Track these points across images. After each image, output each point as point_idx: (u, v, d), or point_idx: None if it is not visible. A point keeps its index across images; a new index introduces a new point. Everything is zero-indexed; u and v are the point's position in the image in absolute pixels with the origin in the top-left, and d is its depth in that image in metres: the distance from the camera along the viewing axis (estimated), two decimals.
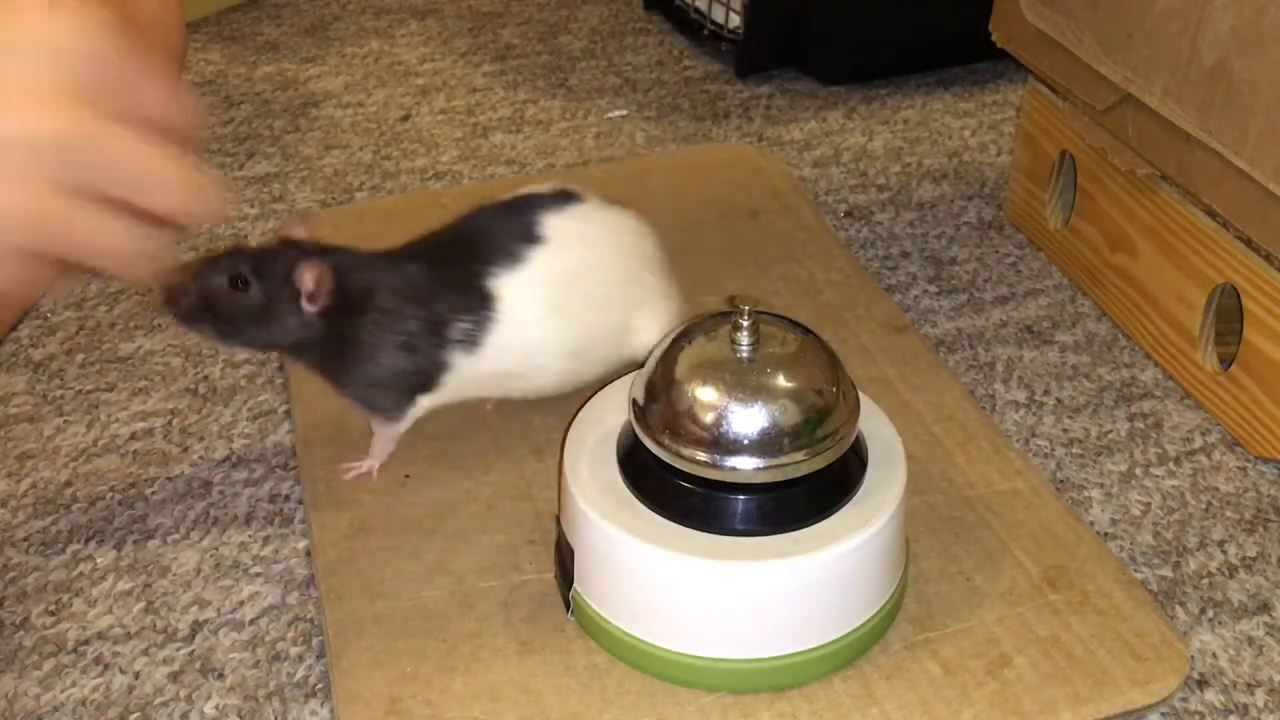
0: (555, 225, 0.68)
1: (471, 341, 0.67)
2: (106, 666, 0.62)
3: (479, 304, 0.67)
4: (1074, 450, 0.74)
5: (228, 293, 0.63)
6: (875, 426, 0.62)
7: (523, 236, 0.68)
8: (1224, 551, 0.67)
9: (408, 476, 0.70)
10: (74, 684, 0.61)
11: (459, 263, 0.68)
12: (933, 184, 1.00)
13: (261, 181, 1.02)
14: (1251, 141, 0.66)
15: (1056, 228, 0.89)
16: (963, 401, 0.75)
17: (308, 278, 0.63)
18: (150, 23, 0.93)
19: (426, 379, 0.68)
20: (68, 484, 0.73)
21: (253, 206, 0.98)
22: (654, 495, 0.59)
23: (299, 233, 0.67)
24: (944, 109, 1.10)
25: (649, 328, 0.70)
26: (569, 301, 0.68)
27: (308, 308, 0.64)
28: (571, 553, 0.61)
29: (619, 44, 1.24)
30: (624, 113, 1.12)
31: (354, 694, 0.58)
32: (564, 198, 0.69)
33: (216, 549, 0.68)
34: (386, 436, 0.70)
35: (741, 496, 0.57)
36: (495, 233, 0.68)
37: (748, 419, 0.56)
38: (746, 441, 0.56)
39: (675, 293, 0.72)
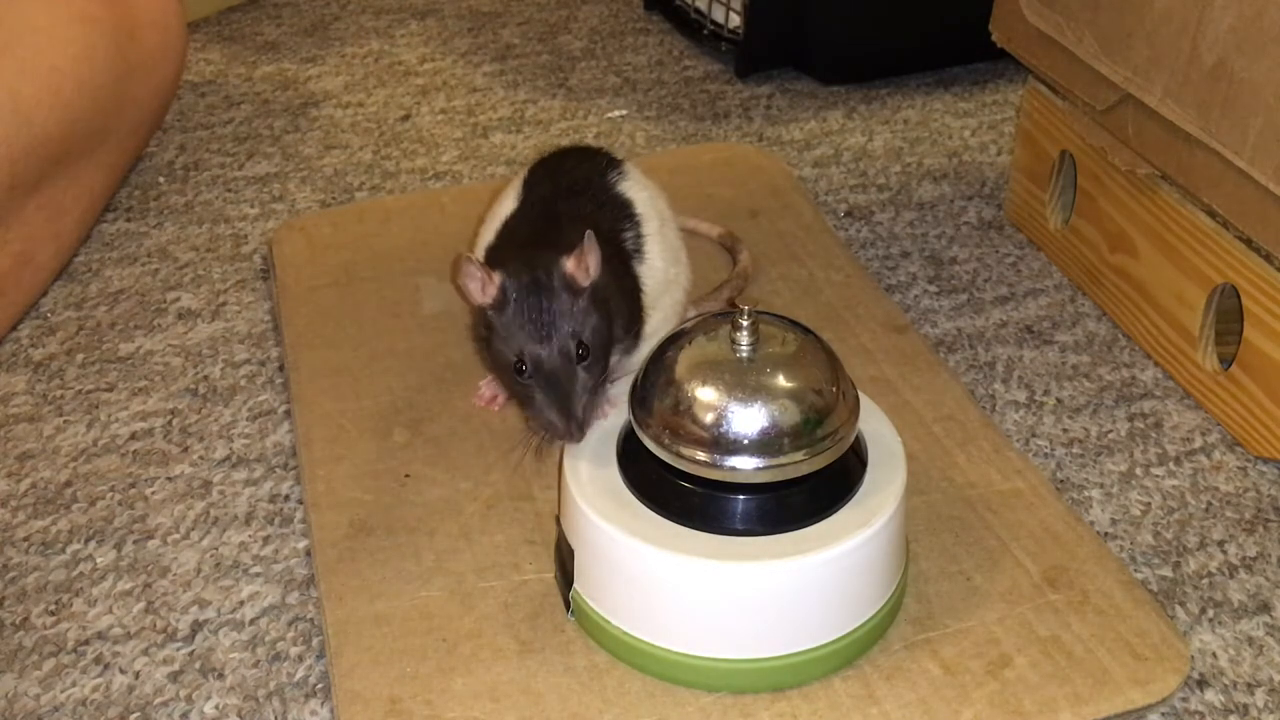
0: (629, 170, 0.73)
1: (637, 249, 0.69)
2: (106, 666, 0.62)
3: (625, 209, 0.70)
4: (1074, 450, 0.74)
5: (571, 363, 0.62)
6: (875, 426, 0.62)
7: (611, 167, 0.72)
8: (1224, 551, 0.67)
9: (407, 476, 0.70)
10: (74, 684, 0.61)
11: (585, 184, 0.70)
12: (933, 184, 1.00)
13: (261, 181, 1.02)
14: (1251, 141, 0.66)
15: (1056, 228, 0.89)
16: (963, 401, 0.75)
17: (573, 263, 0.62)
18: (150, 24, 0.93)
19: (638, 298, 0.69)
20: (68, 484, 0.73)
21: (253, 206, 0.98)
22: (654, 495, 0.59)
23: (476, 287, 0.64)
24: (944, 109, 1.10)
25: (669, 303, 0.72)
26: (667, 224, 0.72)
27: (586, 282, 0.63)
28: (571, 553, 0.61)
29: (619, 44, 1.24)
30: (624, 113, 1.12)
31: (354, 694, 0.58)
32: (612, 158, 0.74)
33: (216, 549, 0.68)
34: None
35: (741, 496, 0.57)
36: (589, 165, 0.72)
37: (748, 419, 0.56)
38: (746, 441, 0.56)
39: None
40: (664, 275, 0.71)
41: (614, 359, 0.66)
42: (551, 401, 0.61)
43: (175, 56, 0.96)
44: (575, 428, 0.61)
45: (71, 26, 0.84)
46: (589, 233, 0.62)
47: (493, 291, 0.62)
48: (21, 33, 0.82)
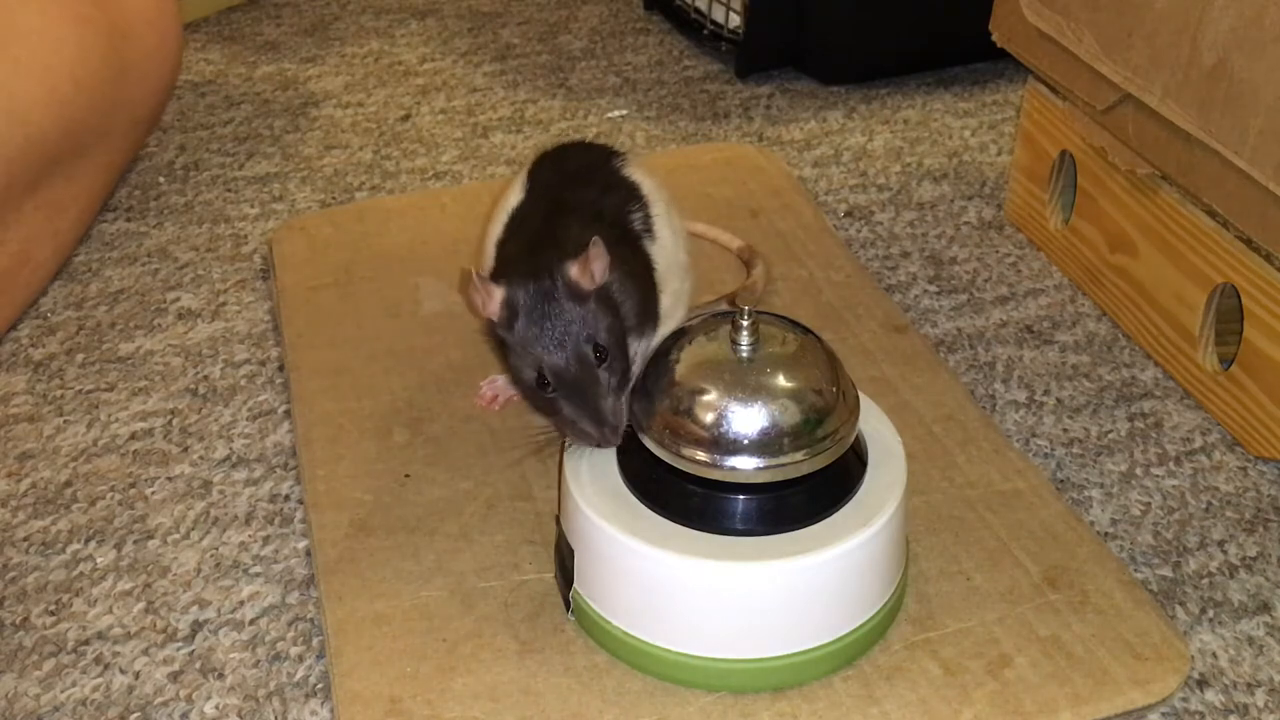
0: (632, 159, 0.73)
1: (647, 229, 0.69)
2: (106, 666, 0.62)
3: (632, 191, 0.69)
4: (1074, 450, 0.74)
5: (592, 368, 0.61)
6: (875, 426, 0.62)
7: (614, 155, 0.72)
8: (1224, 551, 0.67)
9: (407, 476, 0.70)
10: (74, 684, 0.61)
11: (591, 170, 0.69)
12: (933, 184, 1.00)
13: (261, 181, 1.02)
14: (1251, 141, 0.66)
15: (1056, 228, 0.89)
16: (963, 401, 0.75)
17: (577, 269, 0.61)
18: (145, 23, 0.93)
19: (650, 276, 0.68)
20: (68, 484, 0.73)
21: (253, 206, 0.98)
22: (654, 495, 0.59)
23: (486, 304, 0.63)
24: (944, 109, 1.10)
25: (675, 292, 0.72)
26: (672, 209, 0.72)
27: (591, 286, 0.62)
28: (571, 553, 0.61)
29: (619, 44, 1.24)
30: (624, 113, 1.12)
31: (354, 694, 0.58)
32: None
33: (216, 549, 0.68)
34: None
35: (742, 496, 0.57)
36: (593, 153, 0.72)
37: (748, 419, 0.56)
38: (746, 441, 0.56)
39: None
40: (673, 255, 0.70)
41: (633, 348, 0.64)
42: (581, 411, 0.61)
43: (171, 56, 0.96)
44: (610, 432, 0.60)
45: (65, 27, 0.85)
46: (595, 239, 0.61)
47: (496, 308, 0.62)
48: (15, 34, 0.82)
